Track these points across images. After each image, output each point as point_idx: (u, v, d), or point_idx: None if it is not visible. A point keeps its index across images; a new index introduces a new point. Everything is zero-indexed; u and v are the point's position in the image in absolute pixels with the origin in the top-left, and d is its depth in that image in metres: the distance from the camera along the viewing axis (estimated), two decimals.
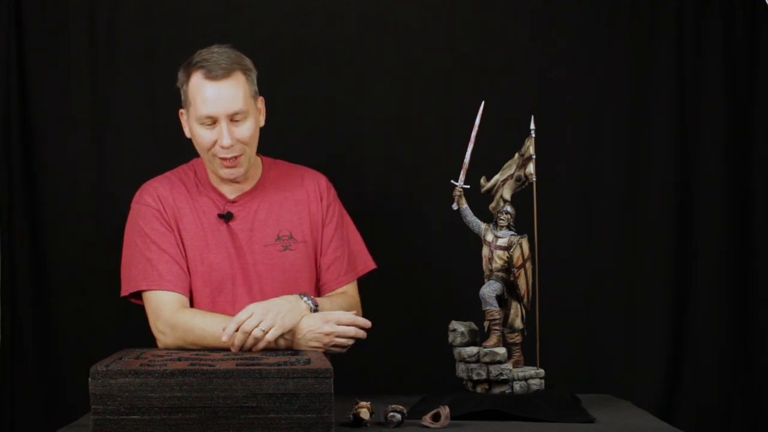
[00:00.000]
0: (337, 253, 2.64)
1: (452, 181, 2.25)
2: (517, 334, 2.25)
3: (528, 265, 2.22)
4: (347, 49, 3.35)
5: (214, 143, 2.49)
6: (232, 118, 2.48)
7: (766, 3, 3.30)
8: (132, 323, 3.28)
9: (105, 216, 3.29)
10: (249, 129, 2.51)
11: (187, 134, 2.61)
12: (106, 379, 1.86)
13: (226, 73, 2.48)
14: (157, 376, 1.87)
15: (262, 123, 2.59)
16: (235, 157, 2.51)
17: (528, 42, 3.36)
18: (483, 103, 2.24)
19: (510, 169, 2.24)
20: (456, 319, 2.35)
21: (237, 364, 1.95)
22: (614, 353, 3.36)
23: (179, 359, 2.06)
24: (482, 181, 2.23)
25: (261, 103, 2.60)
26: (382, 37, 3.33)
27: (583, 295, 3.36)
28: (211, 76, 2.48)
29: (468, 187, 2.23)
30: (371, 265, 2.71)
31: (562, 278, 3.30)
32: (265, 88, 3.33)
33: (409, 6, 3.36)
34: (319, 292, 2.67)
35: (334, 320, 2.37)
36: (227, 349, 2.33)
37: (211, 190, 2.61)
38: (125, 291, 2.56)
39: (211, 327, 2.41)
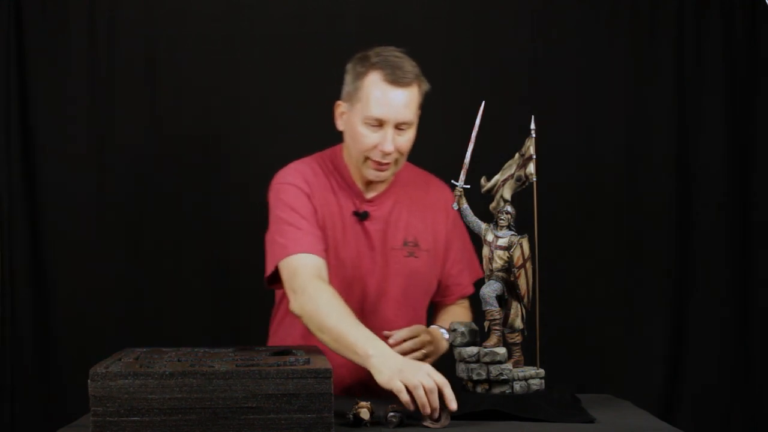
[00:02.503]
0: (460, 265, 2.62)
1: (452, 181, 2.24)
2: (517, 334, 2.25)
3: (528, 265, 2.22)
4: (347, 49, 3.34)
5: (375, 146, 2.43)
6: (398, 126, 2.42)
7: (766, 3, 3.30)
8: (132, 323, 3.30)
9: (105, 216, 3.29)
10: (409, 140, 2.46)
11: (340, 127, 2.55)
12: (105, 380, 1.86)
13: (405, 81, 2.42)
14: (157, 377, 1.86)
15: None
16: (388, 163, 2.46)
17: (528, 42, 3.36)
18: (483, 103, 2.23)
19: (510, 169, 2.23)
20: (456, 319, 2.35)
21: (237, 365, 1.95)
22: (614, 353, 3.36)
23: (179, 360, 2.06)
24: (482, 181, 2.23)
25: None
26: (382, 37, 3.31)
27: (583, 295, 3.36)
28: (391, 80, 2.41)
29: (468, 187, 2.22)
30: (481, 273, 2.47)
31: (562, 278, 3.30)
32: (264, 87, 3.35)
33: (409, 6, 3.36)
34: (443, 298, 2.64)
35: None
36: (227, 349, 2.32)
37: (351, 186, 2.55)
38: (273, 263, 2.44)
39: (326, 309, 2.29)
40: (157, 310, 3.31)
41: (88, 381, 1.86)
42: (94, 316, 3.27)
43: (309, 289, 2.35)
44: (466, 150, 2.21)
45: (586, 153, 3.38)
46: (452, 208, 2.31)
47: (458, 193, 2.23)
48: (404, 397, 2.08)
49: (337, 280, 2.48)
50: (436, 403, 2.07)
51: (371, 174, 2.48)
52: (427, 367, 2.12)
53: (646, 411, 2.30)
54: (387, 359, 2.16)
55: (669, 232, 3.37)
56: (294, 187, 2.50)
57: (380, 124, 2.41)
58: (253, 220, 3.31)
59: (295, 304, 2.37)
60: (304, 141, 3.30)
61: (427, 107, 3.32)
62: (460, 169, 2.22)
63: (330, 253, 2.48)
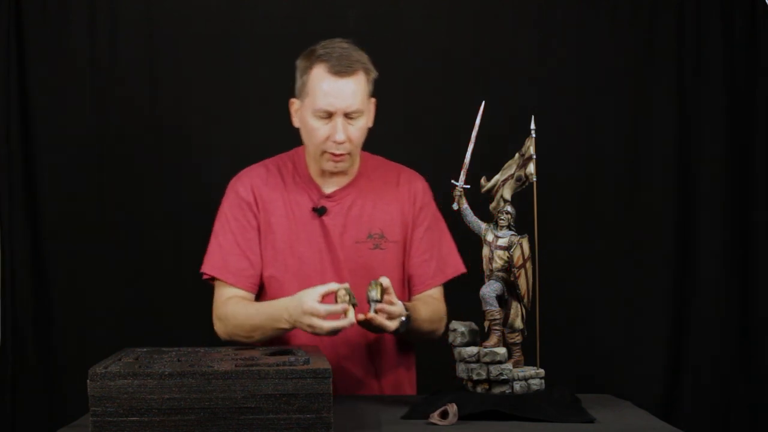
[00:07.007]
0: (425, 255, 2.59)
1: (452, 180, 2.24)
2: (517, 334, 2.24)
3: (528, 265, 2.22)
4: None
5: (327, 138, 2.46)
6: (348, 116, 2.45)
7: (766, 3, 3.30)
8: (132, 323, 3.30)
9: (105, 217, 3.29)
10: (360, 129, 2.49)
11: (296, 124, 2.57)
12: (104, 380, 1.86)
13: (349, 71, 2.44)
14: (157, 377, 1.86)
15: (370, 124, 2.54)
16: (343, 154, 2.48)
17: (528, 42, 3.36)
18: (483, 103, 2.23)
19: (510, 169, 2.23)
20: (456, 319, 2.35)
21: (236, 365, 1.95)
22: (614, 353, 3.36)
23: (179, 360, 2.06)
24: (482, 181, 2.23)
25: (372, 104, 2.54)
26: (382, 37, 3.33)
27: (583, 295, 3.36)
28: (335, 71, 2.43)
29: (468, 187, 2.22)
30: (461, 269, 2.63)
31: (562, 278, 3.30)
32: (264, 87, 3.35)
33: (409, 6, 3.36)
34: (408, 294, 2.62)
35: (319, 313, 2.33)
36: (227, 349, 2.31)
37: (309, 183, 2.58)
38: (202, 269, 2.60)
39: (244, 310, 2.48)
40: (157, 310, 3.31)
41: (88, 381, 1.86)
42: (94, 316, 3.27)
43: (221, 312, 2.53)
44: (465, 150, 2.21)
45: (586, 153, 3.38)
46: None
47: (458, 193, 2.22)
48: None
49: (297, 278, 2.53)
50: (331, 325, 2.29)
51: (329, 166, 2.51)
52: (308, 321, 2.31)
53: (646, 411, 2.30)
54: (292, 317, 2.35)
55: (669, 231, 3.37)
56: (235, 196, 2.58)
57: (329, 115, 2.45)
58: None
59: (220, 330, 2.55)
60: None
61: (426, 107, 3.35)
62: (460, 169, 2.22)
63: (287, 251, 2.54)
